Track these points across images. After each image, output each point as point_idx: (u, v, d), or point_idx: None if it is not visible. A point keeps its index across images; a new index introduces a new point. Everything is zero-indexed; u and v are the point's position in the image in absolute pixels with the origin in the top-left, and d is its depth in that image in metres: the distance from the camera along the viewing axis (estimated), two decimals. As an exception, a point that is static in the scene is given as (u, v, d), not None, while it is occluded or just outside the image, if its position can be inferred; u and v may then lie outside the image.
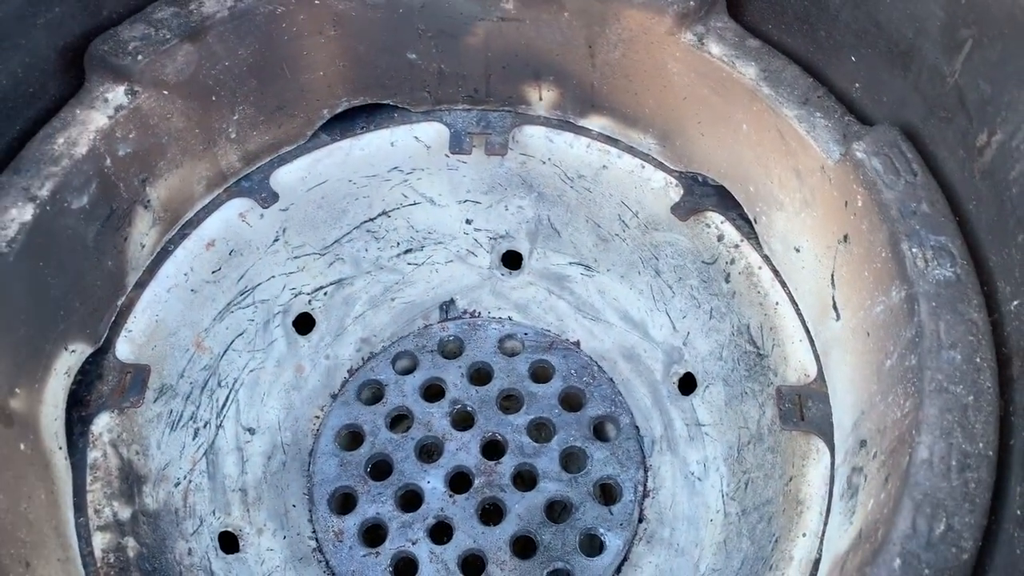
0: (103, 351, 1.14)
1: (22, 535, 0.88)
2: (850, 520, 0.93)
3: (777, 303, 1.19)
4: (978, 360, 0.83)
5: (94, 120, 1.04)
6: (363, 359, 1.49)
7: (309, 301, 1.45)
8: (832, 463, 1.06)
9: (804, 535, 1.04)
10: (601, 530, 1.31)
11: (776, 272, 1.19)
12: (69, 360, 1.07)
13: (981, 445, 0.79)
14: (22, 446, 0.95)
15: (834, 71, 1.07)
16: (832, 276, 1.05)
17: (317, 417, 1.43)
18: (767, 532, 1.13)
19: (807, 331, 1.14)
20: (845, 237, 1.01)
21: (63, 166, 1.01)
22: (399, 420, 1.45)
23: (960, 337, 0.85)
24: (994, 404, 0.82)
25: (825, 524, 1.02)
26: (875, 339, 0.96)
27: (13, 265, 0.95)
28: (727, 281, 1.26)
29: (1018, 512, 0.76)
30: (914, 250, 0.90)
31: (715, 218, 1.26)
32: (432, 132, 1.37)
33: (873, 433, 0.93)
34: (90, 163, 1.04)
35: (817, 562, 1.00)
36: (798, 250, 1.12)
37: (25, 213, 0.97)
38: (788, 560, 1.04)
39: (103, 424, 1.11)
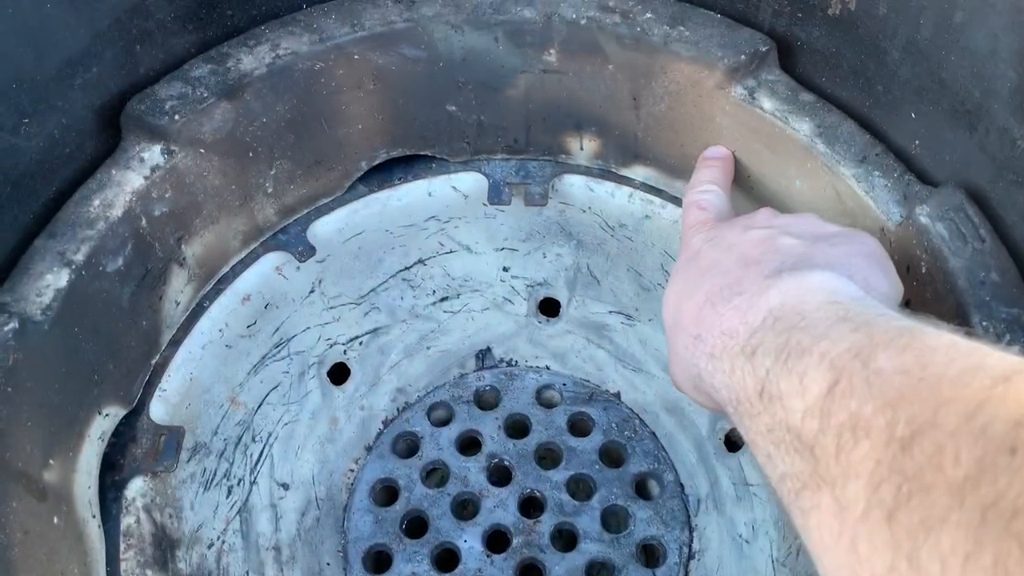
0: (136, 412, 1.12)
1: (55, 617, 0.85)
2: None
3: (830, 364, 1.14)
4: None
5: (130, 181, 1.02)
6: (398, 409, 1.45)
7: (344, 351, 1.42)
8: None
9: (864, 615, 0.99)
10: (645, 594, 1.27)
11: (830, 332, 1.14)
12: (103, 424, 1.05)
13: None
14: (55, 520, 0.92)
15: (892, 128, 1.03)
16: (892, 341, 1.01)
17: (352, 470, 1.40)
18: (821, 605, 1.08)
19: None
20: (907, 303, 0.96)
21: (99, 229, 0.99)
22: (435, 474, 1.42)
23: (1038, 420, 0.80)
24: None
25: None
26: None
27: (48, 334, 0.93)
28: (776, 338, 1.22)
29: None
30: (984, 323, 0.86)
31: (764, 273, 1.21)
32: (470, 182, 1.34)
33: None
34: (126, 225, 1.02)
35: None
36: (854, 311, 1.07)
37: (60, 279, 0.95)
38: (847, 641, 0.99)
39: (136, 489, 1.09)
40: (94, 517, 1.01)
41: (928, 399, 0.45)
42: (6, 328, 0.88)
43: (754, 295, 0.68)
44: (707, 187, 0.98)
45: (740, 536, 1.27)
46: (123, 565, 1.03)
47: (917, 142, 1.01)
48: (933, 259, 0.91)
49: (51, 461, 0.93)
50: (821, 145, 1.03)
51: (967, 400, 0.43)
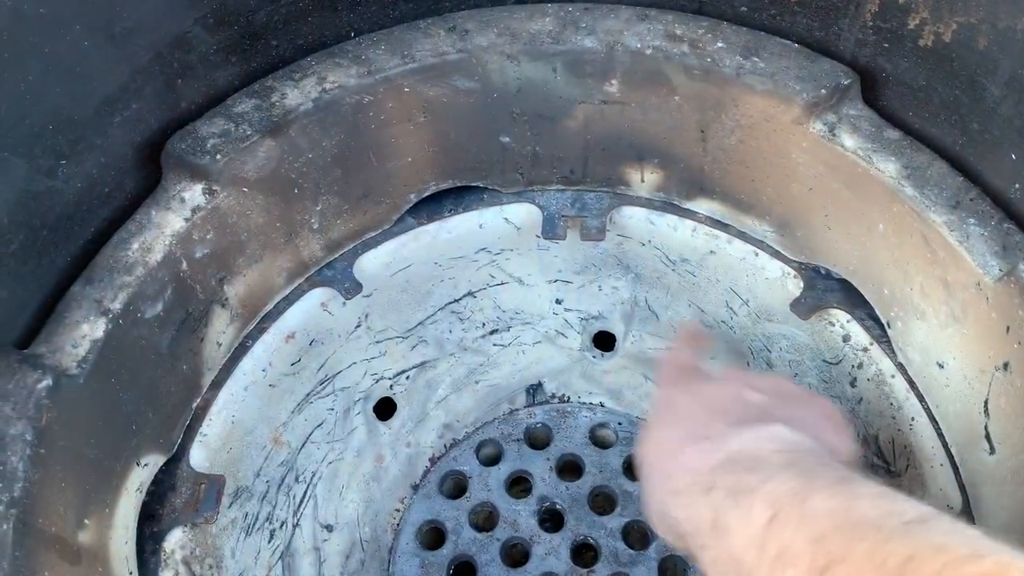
0: (176, 459, 1.08)
1: None
2: None
3: (913, 419, 1.06)
4: None
5: (170, 223, 0.98)
6: (445, 446, 1.40)
7: (391, 386, 1.37)
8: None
9: None
10: (704, 651, 1.19)
11: (912, 384, 1.06)
12: (141, 475, 1.00)
13: None
14: (90, 584, 0.88)
15: (990, 169, 0.94)
16: (986, 404, 0.92)
17: (397, 511, 1.35)
18: None
19: (950, 456, 1.01)
20: (1005, 365, 0.88)
21: (137, 275, 0.95)
22: (483, 516, 1.36)
23: None
24: None
25: None
26: (1045, 491, 0.82)
27: (84, 387, 0.89)
28: (853, 385, 1.14)
29: None
30: (1102, 399, 0.77)
31: (841, 316, 1.13)
32: (523, 213, 1.27)
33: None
34: (165, 269, 0.97)
35: None
36: (942, 366, 0.99)
37: (97, 329, 0.91)
38: None
39: (176, 541, 1.04)
40: (131, 574, 0.97)
41: (846, 537, 0.54)
42: (40, 386, 0.84)
43: (717, 440, 0.76)
44: (683, 346, 1.05)
45: (808, 594, 1.19)
46: (161, 623, 0.99)
47: (1018, 185, 0.92)
48: (1040, 321, 0.82)
49: (86, 521, 0.89)
50: (909, 188, 0.94)
51: (876, 540, 0.52)
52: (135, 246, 0.96)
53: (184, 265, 0.99)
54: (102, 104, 0.93)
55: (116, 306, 0.93)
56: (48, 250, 0.93)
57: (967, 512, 0.98)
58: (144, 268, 0.95)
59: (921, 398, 1.05)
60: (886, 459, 1.10)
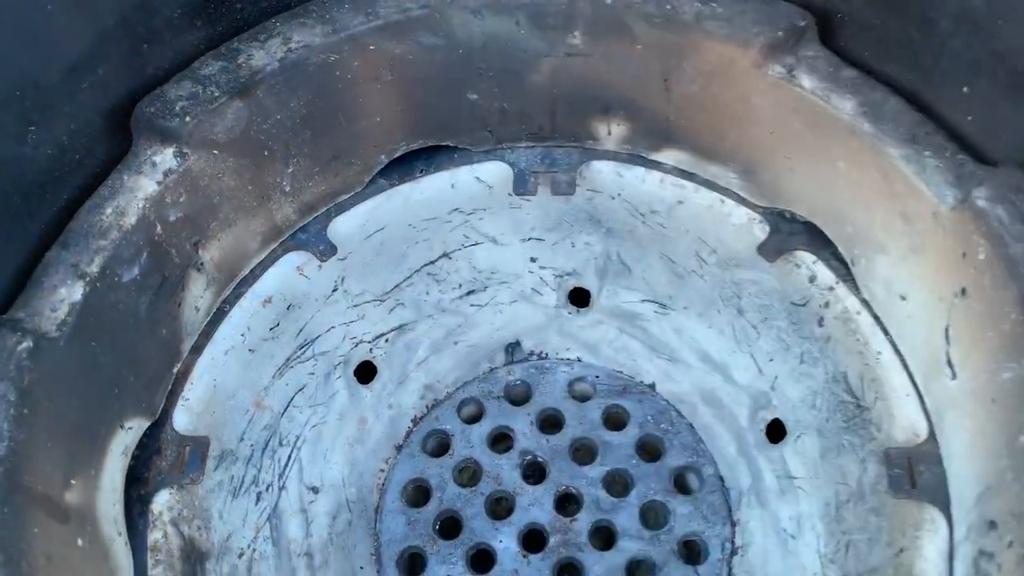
0: (160, 423, 1.09)
1: (82, 644, 0.83)
2: (981, 613, 0.83)
3: (879, 353, 1.09)
4: None
5: (143, 187, 0.99)
6: (427, 407, 1.42)
7: (370, 349, 1.38)
8: (951, 537, 0.96)
9: (923, 618, 0.94)
10: (687, 592, 1.23)
11: (877, 319, 1.09)
12: (126, 438, 1.02)
13: None
14: (80, 541, 0.90)
15: (943, 103, 0.97)
16: (946, 331, 0.95)
17: (382, 471, 1.37)
18: (876, 605, 1.03)
19: (915, 386, 1.04)
20: (963, 291, 0.91)
21: (112, 238, 0.96)
22: (467, 473, 1.38)
23: (1114, 418, 0.74)
24: None
25: (947, 608, 0.93)
26: (1003, 408, 0.86)
27: (64, 350, 0.90)
28: (820, 325, 1.17)
29: None
30: (1052, 314, 0.80)
31: (806, 258, 1.16)
32: (495, 172, 1.29)
33: (1006, 516, 0.83)
34: (140, 232, 0.98)
35: (941, 651, 0.91)
36: (904, 298, 1.02)
37: (75, 292, 0.92)
38: (906, 645, 0.94)
39: (163, 502, 1.06)
40: (120, 535, 0.99)
41: None
42: (20, 348, 0.85)
43: None
44: None
45: (785, 531, 1.23)
46: (152, 582, 1.01)
47: (971, 118, 0.95)
48: (992, 245, 0.85)
49: (73, 481, 0.91)
50: (866, 124, 0.97)
51: None
52: (109, 210, 0.97)
53: (158, 229, 1.01)
54: (69, 69, 0.93)
55: (93, 270, 0.94)
56: (22, 217, 0.94)
57: (932, 439, 1.01)
58: (119, 232, 0.96)
59: (886, 332, 1.08)
60: (855, 395, 1.13)
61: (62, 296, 0.91)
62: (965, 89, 0.94)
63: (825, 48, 1.02)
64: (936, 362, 0.98)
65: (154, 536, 1.04)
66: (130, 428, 1.02)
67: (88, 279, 0.93)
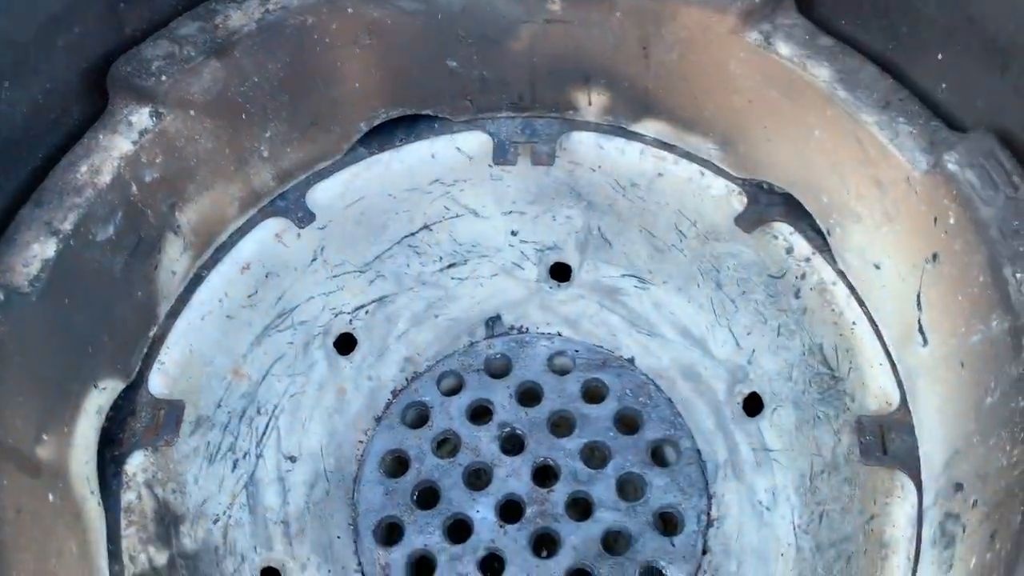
0: (135, 386, 1.09)
1: (51, 596, 0.83)
2: (946, 572, 0.84)
3: (854, 323, 1.10)
4: (1100, 403, 0.74)
5: (118, 146, 0.98)
6: (407, 379, 1.42)
7: (350, 320, 1.38)
8: (919, 501, 0.96)
9: (891, 582, 0.95)
10: (662, 563, 1.23)
11: (852, 289, 1.09)
12: (100, 398, 1.02)
13: (1108, 504, 0.70)
14: (51, 497, 0.90)
15: (917, 71, 0.97)
16: (918, 297, 0.96)
17: (361, 442, 1.37)
18: (846, 573, 1.04)
19: (888, 355, 1.05)
20: (934, 256, 0.91)
21: (86, 196, 0.96)
22: (446, 444, 1.38)
23: (1077, 377, 0.75)
24: (1121, 455, 0.72)
25: (914, 572, 0.93)
26: (971, 371, 0.86)
27: (36, 305, 0.90)
28: (797, 297, 1.17)
29: None
30: (1018, 275, 0.81)
31: (783, 229, 1.16)
32: (475, 142, 1.29)
33: (972, 478, 0.83)
34: (115, 191, 0.98)
35: (907, 615, 0.91)
36: (878, 267, 1.02)
37: (48, 249, 0.92)
38: (873, 609, 0.95)
39: (137, 464, 1.06)
40: (93, 494, 0.99)
41: None
42: (-9, 300, 0.85)
43: None
44: None
45: (760, 503, 1.23)
46: (124, 542, 1.01)
47: (944, 85, 0.95)
48: (962, 209, 0.86)
49: (45, 436, 0.91)
50: (841, 91, 0.97)
51: None
52: (84, 169, 0.97)
53: (134, 188, 1.00)
54: (44, 25, 0.93)
55: (67, 227, 0.94)
56: (-4, 174, 0.94)
57: (904, 407, 1.02)
58: (93, 190, 0.96)
59: (861, 302, 1.09)
60: (831, 366, 1.14)
61: (35, 252, 0.91)
62: (939, 56, 0.94)
63: (802, 16, 1.03)
64: (908, 330, 0.98)
65: (128, 497, 1.04)
66: (104, 388, 1.02)
67: (62, 236, 0.93)
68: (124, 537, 1.01)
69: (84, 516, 0.95)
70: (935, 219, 0.90)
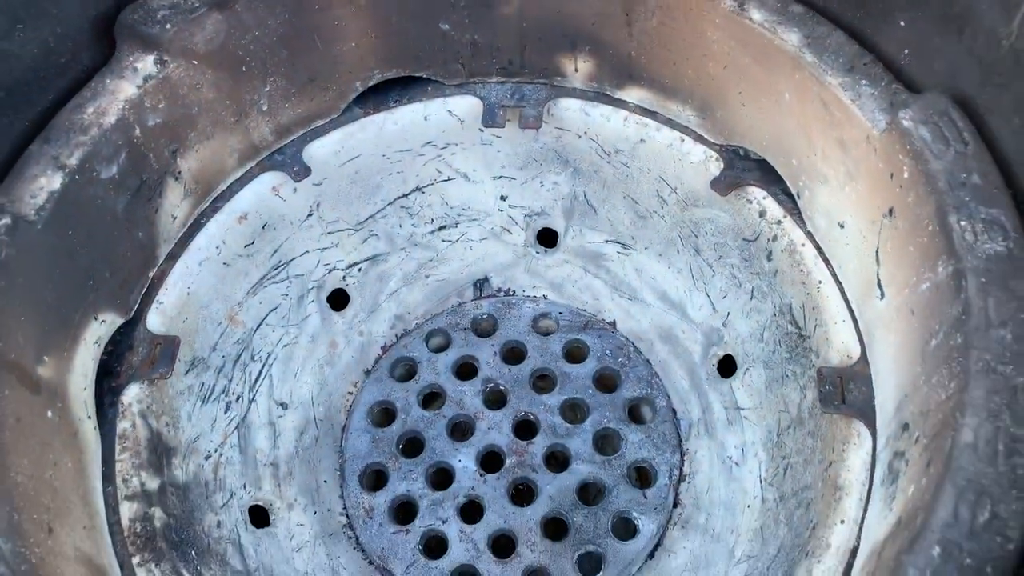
0: (134, 323, 1.15)
1: (46, 501, 0.88)
2: (890, 507, 0.89)
3: (820, 282, 1.14)
4: (1031, 339, 0.78)
5: (123, 90, 1.04)
6: (396, 336, 1.47)
7: (343, 277, 1.44)
8: (874, 448, 1.01)
9: (842, 522, 1.00)
10: (635, 514, 1.28)
11: (819, 249, 1.14)
12: (99, 330, 1.07)
13: (1031, 429, 0.75)
14: (49, 413, 0.95)
15: (882, 37, 1.02)
16: (877, 253, 1.01)
17: (350, 393, 1.43)
18: (805, 519, 1.08)
19: (851, 311, 1.10)
20: (891, 211, 0.96)
21: (92, 135, 1.01)
22: (431, 398, 1.44)
23: (1011, 315, 0.80)
24: (1047, 386, 0.77)
25: (865, 511, 0.98)
26: (920, 318, 0.91)
27: (41, 233, 0.96)
28: (769, 259, 1.22)
29: (1070, 500, 0.72)
30: (962, 223, 0.85)
31: (757, 193, 1.21)
32: (466, 106, 1.34)
33: (916, 416, 0.88)
34: (119, 133, 1.04)
35: (855, 550, 0.96)
36: (842, 226, 1.07)
37: (54, 182, 0.98)
38: (825, 547, 1.00)
39: (133, 395, 1.11)
40: (90, 418, 1.04)
41: None
42: (0, 223, 0.91)
43: None
44: None
45: (730, 459, 1.28)
46: (118, 466, 1.06)
47: (907, 51, 1.00)
48: (915, 162, 0.90)
49: (45, 358, 0.96)
50: (809, 55, 1.02)
51: None
52: (90, 110, 1.03)
53: (137, 131, 1.06)
54: (56, -28, 0.99)
55: (72, 162, 0.99)
56: (6, 113, 1.00)
57: (864, 360, 1.06)
58: (99, 129, 1.02)
59: (827, 261, 1.13)
60: (798, 325, 1.19)
61: (42, 184, 0.97)
62: (902, 23, 0.99)
63: (776, -15, 1.08)
64: (868, 284, 1.03)
65: (123, 425, 1.09)
66: (103, 321, 1.07)
67: (67, 170, 0.99)
68: (118, 461, 1.06)
69: (80, 437, 1.01)
70: (891, 175, 0.95)
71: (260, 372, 1.34)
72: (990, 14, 0.88)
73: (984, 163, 0.88)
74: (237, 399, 1.30)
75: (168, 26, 1.04)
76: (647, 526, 1.27)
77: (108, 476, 1.05)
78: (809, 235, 1.16)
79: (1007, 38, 0.86)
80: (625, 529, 1.29)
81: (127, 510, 1.04)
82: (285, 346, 1.38)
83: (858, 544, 0.96)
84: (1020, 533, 0.71)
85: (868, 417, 1.03)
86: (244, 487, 1.25)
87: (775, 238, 1.20)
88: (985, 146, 0.90)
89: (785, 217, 1.19)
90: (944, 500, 0.73)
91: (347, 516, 1.32)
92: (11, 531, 0.78)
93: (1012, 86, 0.86)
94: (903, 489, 0.86)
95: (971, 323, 0.80)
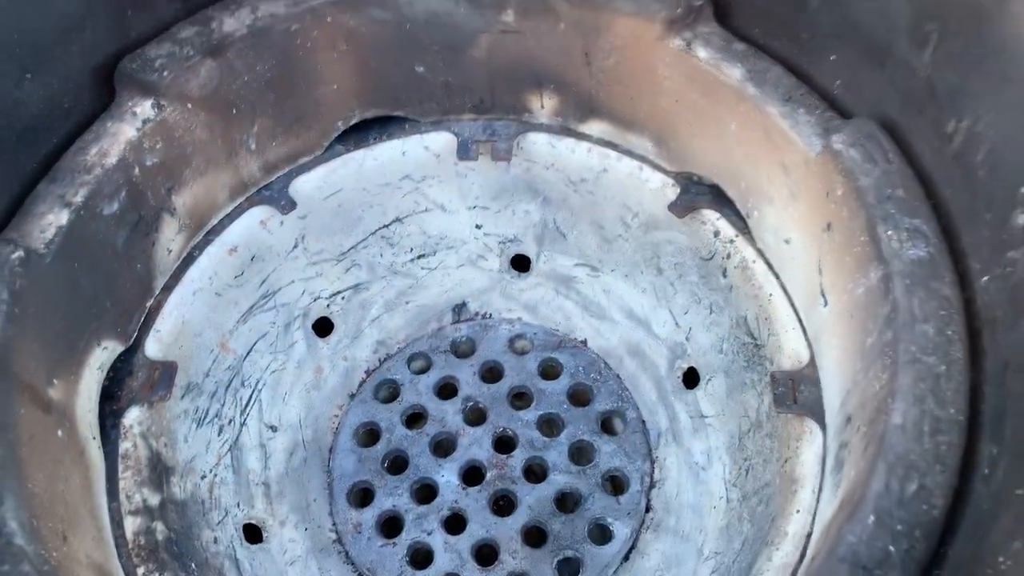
0: (133, 350, 1.22)
1: (60, 512, 0.95)
2: (836, 492, 0.97)
3: (771, 294, 1.24)
4: (950, 333, 0.88)
5: (124, 132, 1.13)
6: (379, 360, 1.55)
7: (327, 305, 1.52)
8: (824, 442, 1.10)
9: (798, 511, 1.08)
10: (609, 519, 1.36)
11: (769, 264, 1.24)
12: (102, 356, 1.14)
13: (952, 411, 0.84)
14: (59, 432, 1.02)
15: (817, 70, 1.13)
16: (819, 264, 1.11)
17: (336, 416, 1.50)
18: (765, 513, 1.17)
19: (799, 319, 1.19)
20: (829, 225, 1.06)
21: (95, 175, 1.09)
22: (414, 417, 1.51)
23: (933, 312, 0.90)
24: (964, 373, 0.86)
25: (818, 500, 1.07)
26: (858, 320, 1.01)
27: (50, 265, 1.03)
28: (724, 276, 1.32)
29: (985, 471, 0.81)
30: (889, 232, 0.96)
31: (711, 215, 1.31)
32: (441, 141, 1.44)
33: (857, 408, 0.97)
34: (120, 172, 1.12)
35: (810, 535, 1.05)
36: (788, 242, 1.17)
37: (61, 218, 1.06)
38: (783, 536, 1.08)
39: (134, 417, 1.18)
40: (94, 439, 1.11)
41: None
42: (13, 256, 0.98)
43: None
44: None
45: (696, 464, 1.36)
46: (122, 483, 1.13)
47: (838, 82, 1.11)
48: (847, 180, 1.01)
49: (55, 381, 1.03)
50: (751, 88, 1.13)
51: None
52: (93, 151, 1.11)
53: (136, 171, 1.14)
54: (62, 25, 1.08)
55: (78, 199, 1.07)
56: (17, 155, 1.08)
57: (813, 363, 1.16)
58: (101, 169, 1.10)
59: (776, 275, 1.23)
60: (754, 336, 1.28)
61: (50, 221, 1.05)
62: (833, 57, 1.10)
63: (720, 26, 1.19)
64: (813, 294, 1.13)
65: (125, 446, 1.16)
66: (106, 348, 1.15)
67: (73, 207, 1.06)
68: (121, 479, 1.13)
69: (86, 456, 1.08)
70: (827, 193, 1.05)
71: (250, 397, 1.41)
72: (907, 48, 0.99)
73: (907, 179, 0.99)
74: (229, 422, 1.37)
75: (165, 73, 1.13)
76: (621, 531, 1.35)
77: (112, 492, 1.11)
78: (759, 252, 1.26)
79: (922, 69, 0.97)
80: (601, 534, 1.37)
81: (131, 524, 1.10)
82: (273, 372, 1.45)
83: (812, 530, 1.05)
84: (944, 501, 0.80)
85: (818, 415, 1.12)
86: (238, 505, 1.32)
87: (729, 256, 1.30)
88: (908, 164, 1.00)
89: (737, 236, 1.29)
90: (877, 475, 0.82)
91: (336, 532, 1.39)
92: (33, 534, 0.84)
93: (927, 110, 0.97)
94: (847, 475, 0.95)
95: (899, 320, 0.90)
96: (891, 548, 0.78)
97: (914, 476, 0.81)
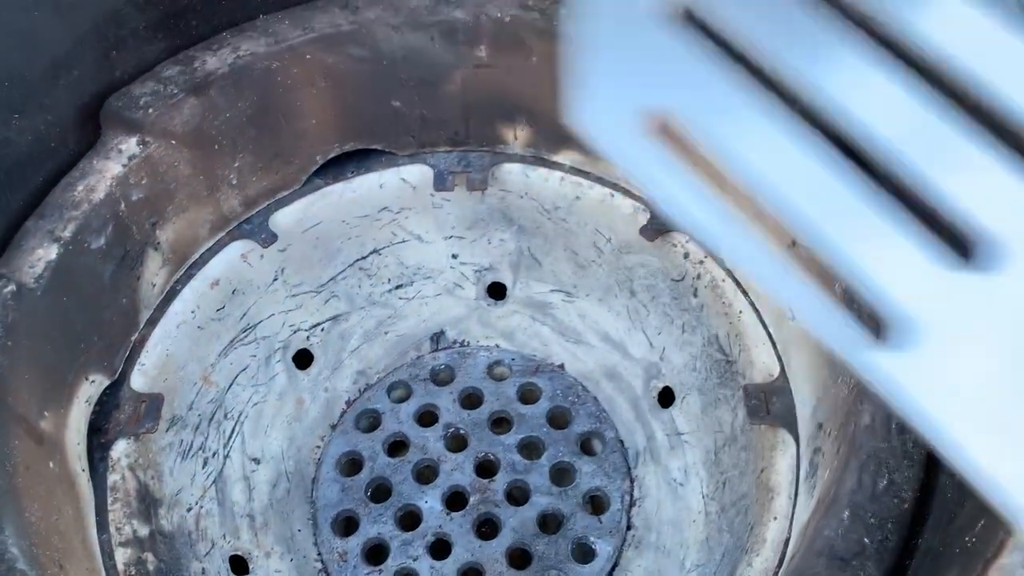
0: (119, 383, 1.23)
1: (55, 542, 0.96)
2: (812, 496, 1.02)
3: (741, 311, 1.29)
4: (912, 337, 0.94)
5: (110, 169, 1.15)
6: (360, 390, 1.57)
7: (307, 337, 1.54)
8: (797, 450, 1.15)
9: (775, 519, 1.12)
10: (592, 538, 1.38)
11: (738, 283, 1.29)
12: (89, 390, 1.16)
13: (917, 410, 0.89)
14: (51, 464, 1.03)
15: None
16: (786, 280, 1.16)
17: (318, 447, 1.51)
18: (744, 523, 1.21)
19: (769, 334, 1.24)
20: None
21: (83, 210, 1.12)
22: (396, 446, 1.53)
23: (895, 318, 0.95)
24: (927, 374, 0.92)
25: (794, 506, 1.11)
26: (825, 331, 1.06)
27: (41, 299, 1.05)
28: (695, 296, 1.37)
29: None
30: (851, 246, 1.01)
31: (680, 238, 1.37)
32: (417, 173, 1.48)
33: (828, 414, 1.02)
34: (107, 207, 1.14)
35: (787, 540, 1.09)
36: (755, 260, 1.23)
37: (50, 252, 1.08)
38: (762, 543, 1.12)
39: (121, 450, 1.19)
40: (84, 471, 1.12)
41: None
42: (5, 290, 1.00)
43: None
44: None
45: (675, 480, 1.40)
46: (111, 515, 1.14)
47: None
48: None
49: (45, 413, 1.05)
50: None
51: None
52: (80, 188, 1.13)
53: (122, 206, 1.17)
54: (49, 66, 1.11)
55: (66, 234, 1.09)
56: (3, 193, 1.10)
57: (783, 375, 1.21)
58: (89, 205, 1.12)
59: (745, 293, 1.28)
60: (726, 352, 1.33)
61: (40, 255, 1.07)
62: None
63: (683, 57, 1.25)
64: (781, 309, 1.18)
65: (113, 478, 1.17)
66: (93, 381, 1.16)
67: (62, 242, 1.09)
68: (111, 511, 1.14)
69: (77, 488, 1.08)
70: (791, 211, 1.11)
71: (233, 429, 1.42)
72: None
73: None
74: (213, 455, 1.38)
75: (150, 111, 1.16)
76: (604, 549, 1.37)
77: (102, 524, 1.12)
78: (728, 271, 1.31)
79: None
80: (583, 553, 1.39)
81: (122, 555, 1.11)
82: (255, 404, 1.46)
83: (790, 535, 1.09)
84: (912, 495, 0.85)
85: (791, 424, 1.17)
86: (224, 537, 1.33)
87: (699, 276, 1.35)
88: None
89: (706, 257, 1.34)
90: (850, 473, 0.86)
91: (322, 561, 1.40)
92: (34, 561, 0.85)
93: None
94: (821, 478, 0.99)
95: (863, 328, 0.96)
96: (866, 540, 0.82)
97: (884, 472, 0.86)
